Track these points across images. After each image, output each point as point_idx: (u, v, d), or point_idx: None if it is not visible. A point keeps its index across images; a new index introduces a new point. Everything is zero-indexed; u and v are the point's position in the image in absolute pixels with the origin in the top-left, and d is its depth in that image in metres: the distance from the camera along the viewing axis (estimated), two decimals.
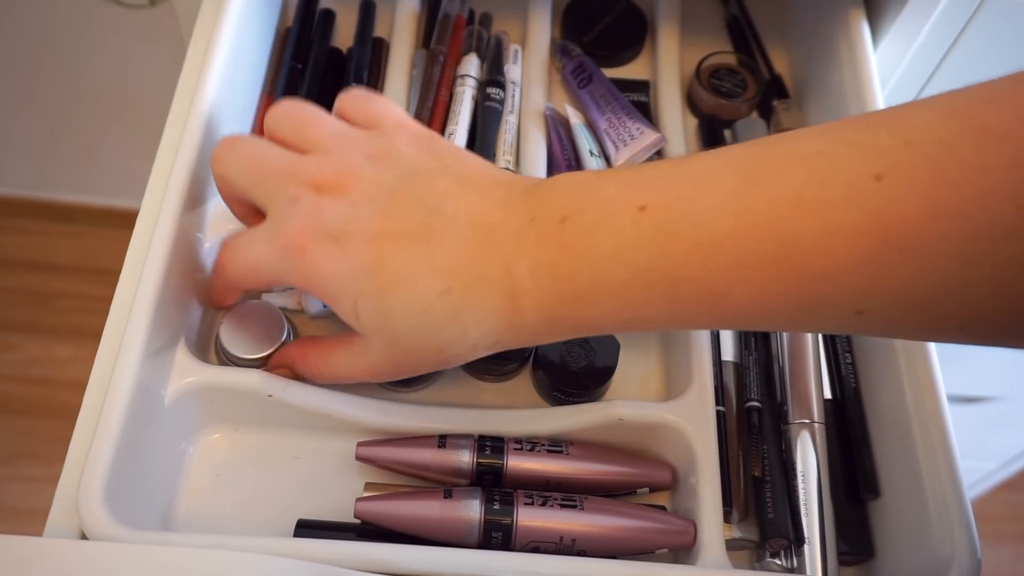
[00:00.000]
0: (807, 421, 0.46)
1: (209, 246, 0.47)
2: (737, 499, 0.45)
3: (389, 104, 0.43)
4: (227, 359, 0.46)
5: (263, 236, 0.40)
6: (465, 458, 0.44)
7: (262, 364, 0.46)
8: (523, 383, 0.49)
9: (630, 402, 0.46)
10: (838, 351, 0.50)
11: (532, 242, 0.37)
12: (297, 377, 0.45)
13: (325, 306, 0.48)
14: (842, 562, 0.46)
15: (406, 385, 0.47)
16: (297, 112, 0.42)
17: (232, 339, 0.46)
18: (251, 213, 0.43)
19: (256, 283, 0.42)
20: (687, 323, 0.38)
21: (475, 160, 0.42)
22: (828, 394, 0.49)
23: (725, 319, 0.37)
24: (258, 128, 0.54)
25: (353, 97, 0.43)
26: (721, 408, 0.47)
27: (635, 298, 0.36)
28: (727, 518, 0.45)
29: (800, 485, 0.45)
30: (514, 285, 0.37)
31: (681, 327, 0.38)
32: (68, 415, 0.41)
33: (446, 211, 0.38)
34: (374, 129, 0.42)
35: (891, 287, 0.33)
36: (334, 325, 0.50)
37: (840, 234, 0.32)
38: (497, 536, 0.42)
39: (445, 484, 0.44)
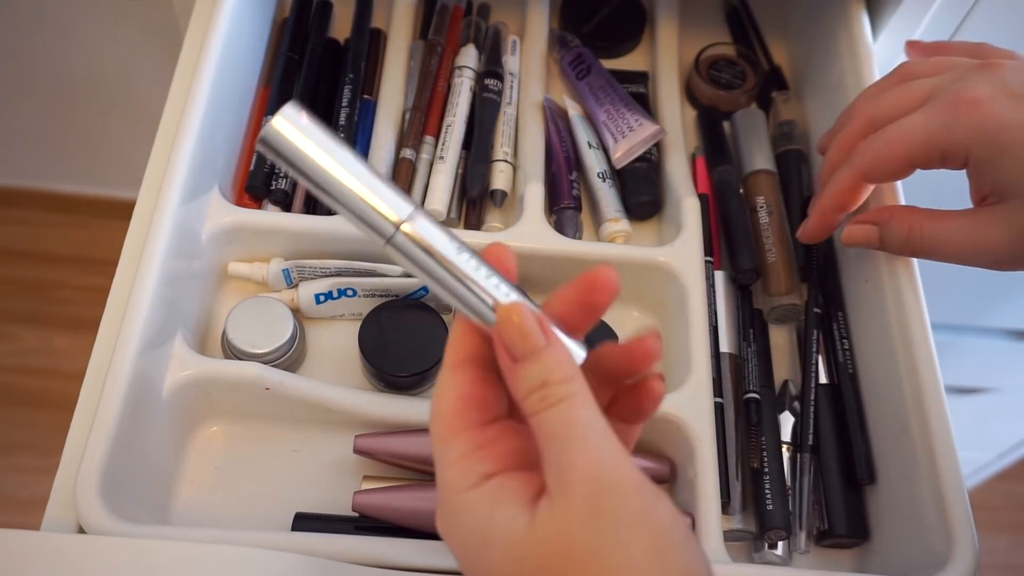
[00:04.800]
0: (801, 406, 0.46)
1: (206, 237, 0.47)
2: (735, 491, 0.45)
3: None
4: (234, 354, 0.46)
5: (920, 111, 0.39)
6: None
7: (269, 359, 0.46)
8: None
9: None
10: (835, 337, 0.50)
11: None
12: (877, 239, 0.43)
13: (320, 301, 0.48)
14: (838, 545, 0.46)
15: (403, 390, 0.47)
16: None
17: (239, 334, 0.46)
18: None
19: (904, 154, 0.40)
20: None
21: None
22: (824, 379, 0.49)
23: None
24: (255, 123, 0.54)
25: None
26: (719, 400, 0.47)
27: None
28: (725, 510, 0.45)
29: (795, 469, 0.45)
30: None
31: None
32: (67, 406, 0.41)
33: None
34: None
35: None
36: (333, 323, 0.50)
37: None
38: None
39: None
